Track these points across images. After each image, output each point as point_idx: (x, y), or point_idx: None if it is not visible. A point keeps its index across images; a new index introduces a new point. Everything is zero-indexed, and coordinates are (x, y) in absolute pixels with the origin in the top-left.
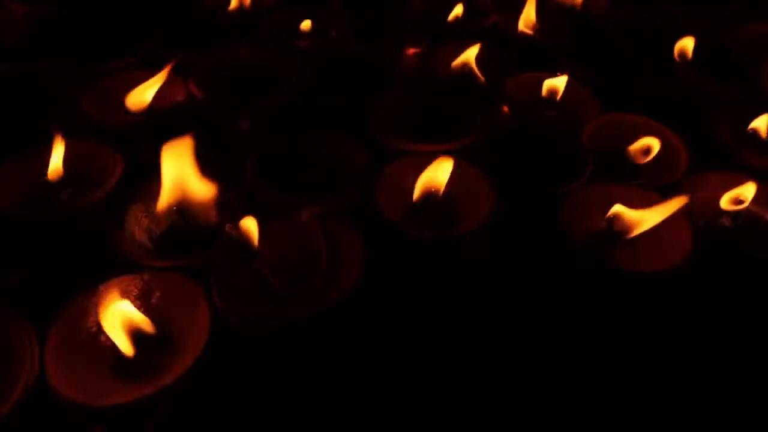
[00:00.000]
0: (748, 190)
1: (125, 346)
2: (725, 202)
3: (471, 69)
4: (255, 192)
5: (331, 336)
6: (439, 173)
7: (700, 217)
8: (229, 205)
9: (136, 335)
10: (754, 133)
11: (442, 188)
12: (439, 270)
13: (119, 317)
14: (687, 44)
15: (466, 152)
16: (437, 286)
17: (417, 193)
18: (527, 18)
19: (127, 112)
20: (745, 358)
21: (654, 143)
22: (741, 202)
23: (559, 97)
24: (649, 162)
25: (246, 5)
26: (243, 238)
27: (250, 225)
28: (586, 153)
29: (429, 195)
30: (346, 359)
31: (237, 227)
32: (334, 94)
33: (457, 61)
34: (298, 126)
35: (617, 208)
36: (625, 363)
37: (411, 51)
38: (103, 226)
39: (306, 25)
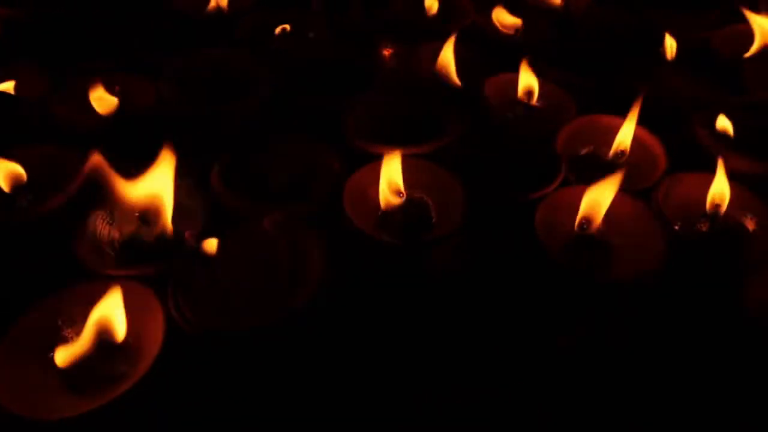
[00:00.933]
0: (724, 193)
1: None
2: (702, 205)
3: (447, 70)
4: (220, 197)
5: (291, 346)
6: (392, 173)
7: (676, 221)
8: (193, 212)
9: (102, 344)
10: (729, 134)
11: (403, 191)
12: (408, 278)
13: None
14: (669, 45)
15: (439, 155)
16: (405, 294)
17: (383, 198)
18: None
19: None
20: (716, 365)
21: (626, 144)
22: (718, 205)
23: (535, 99)
24: (625, 164)
25: (223, 6)
26: (203, 246)
27: (210, 232)
28: (558, 157)
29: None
30: (305, 369)
31: (197, 235)
32: (309, 97)
33: (437, 62)
34: (270, 129)
35: (584, 211)
36: (598, 369)
37: (389, 52)
38: (64, 233)
39: (282, 26)
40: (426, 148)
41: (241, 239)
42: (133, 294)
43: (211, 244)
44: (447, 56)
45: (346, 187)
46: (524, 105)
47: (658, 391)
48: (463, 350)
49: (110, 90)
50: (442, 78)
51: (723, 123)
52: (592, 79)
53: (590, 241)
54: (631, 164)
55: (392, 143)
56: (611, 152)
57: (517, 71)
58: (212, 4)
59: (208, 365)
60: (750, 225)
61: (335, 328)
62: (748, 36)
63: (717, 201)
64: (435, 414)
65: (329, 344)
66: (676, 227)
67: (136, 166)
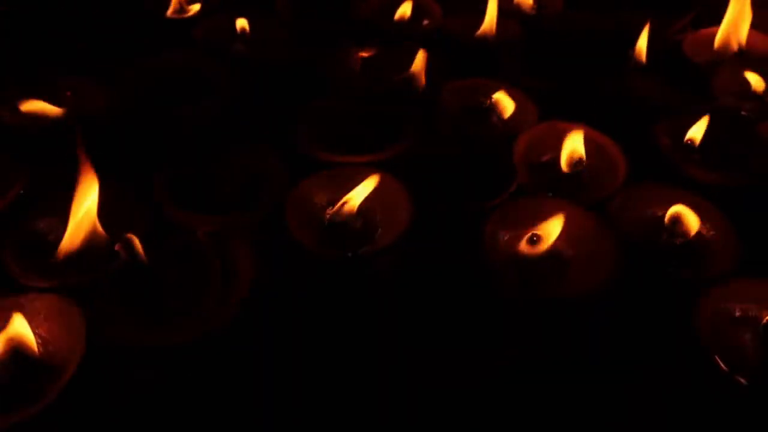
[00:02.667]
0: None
1: None
2: (661, 218)
3: (414, 76)
4: (161, 206)
5: (215, 361)
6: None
7: (632, 235)
8: (131, 221)
9: (17, 358)
10: (693, 143)
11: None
12: (347, 290)
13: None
14: (639, 48)
15: (392, 163)
16: (343, 307)
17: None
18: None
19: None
20: (663, 387)
21: (581, 152)
22: (677, 218)
23: (492, 103)
24: (583, 173)
25: (185, 8)
26: (133, 257)
27: (139, 243)
28: (513, 165)
29: (340, 210)
30: (227, 385)
31: (128, 245)
32: (265, 102)
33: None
34: (222, 135)
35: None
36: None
37: (354, 56)
38: None
39: (242, 28)
40: (379, 155)
41: (173, 251)
42: (53, 306)
43: (140, 256)
44: (419, 66)
45: (290, 197)
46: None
47: (600, 410)
48: (402, 366)
49: (61, 95)
50: (408, 86)
51: (692, 137)
52: (556, 84)
53: (539, 255)
54: (592, 173)
55: (345, 150)
56: (566, 162)
57: (483, 76)
58: (174, 5)
59: (128, 380)
60: (710, 238)
61: (262, 343)
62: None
63: (676, 214)
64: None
65: (253, 361)
66: (632, 240)
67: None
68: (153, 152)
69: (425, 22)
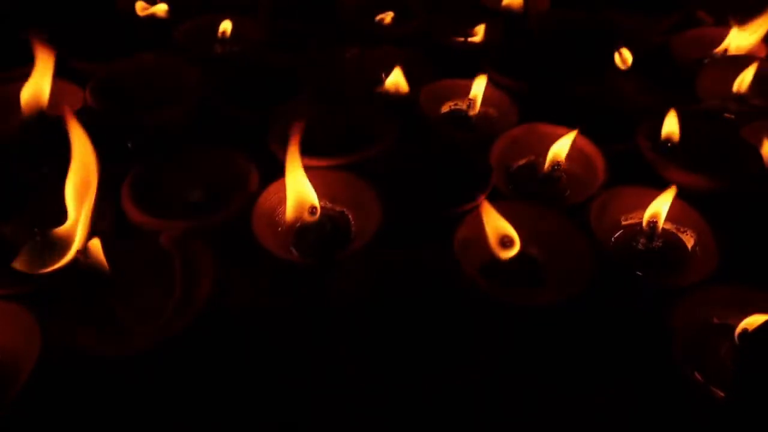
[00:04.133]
0: (662, 209)
1: None
2: (639, 222)
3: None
4: (127, 210)
5: (173, 368)
6: (300, 187)
7: (610, 240)
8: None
9: None
10: (671, 143)
11: (317, 206)
12: (313, 297)
13: None
14: (624, 49)
15: (369, 166)
16: (309, 314)
17: (290, 213)
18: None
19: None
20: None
21: (560, 156)
22: (654, 222)
23: (473, 105)
24: (561, 176)
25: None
26: (92, 264)
27: (99, 248)
28: (489, 169)
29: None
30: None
31: (87, 252)
32: (241, 105)
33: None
34: (195, 138)
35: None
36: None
37: (335, 58)
38: None
39: (223, 30)
40: (353, 158)
41: (134, 256)
42: (6, 313)
43: (101, 262)
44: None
45: (259, 200)
46: (464, 112)
47: (573, 419)
48: (368, 376)
49: None
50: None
51: (669, 134)
52: (538, 85)
53: (513, 260)
54: (572, 176)
55: (320, 154)
56: (546, 165)
57: (465, 77)
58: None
59: (84, 387)
60: (689, 243)
61: (222, 350)
62: (708, 41)
63: (653, 218)
64: None
65: (213, 367)
66: (609, 245)
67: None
68: (120, 154)
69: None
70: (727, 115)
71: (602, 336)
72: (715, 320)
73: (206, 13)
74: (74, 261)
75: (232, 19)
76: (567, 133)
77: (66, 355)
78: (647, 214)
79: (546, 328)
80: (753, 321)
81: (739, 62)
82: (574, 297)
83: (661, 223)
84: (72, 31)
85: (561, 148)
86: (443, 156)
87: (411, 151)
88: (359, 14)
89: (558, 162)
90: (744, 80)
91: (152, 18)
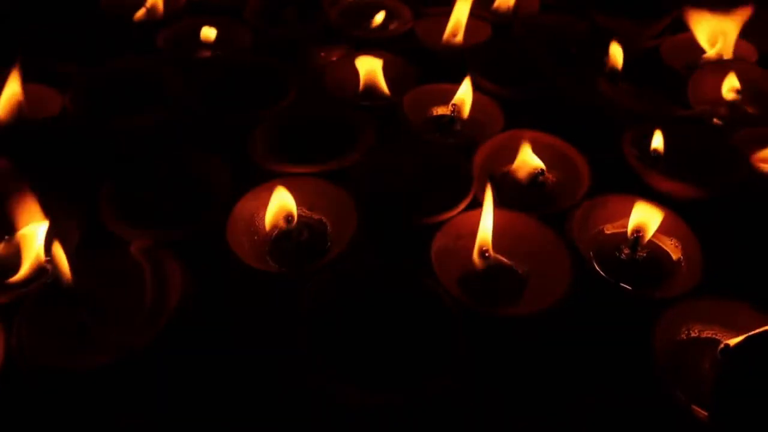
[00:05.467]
0: (648, 218)
1: None
2: (623, 230)
3: (376, 83)
4: (103, 217)
5: (140, 382)
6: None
7: (593, 249)
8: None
9: None
10: (656, 152)
11: (294, 216)
12: (286, 307)
13: None
14: (613, 54)
15: (346, 174)
16: (281, 325)
17: (268, 221)
18: (456, 25)
19: None
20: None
21: (538, 164)
22: (639, 232)
23: (457, 111)
24: (544, 184)
25: (151, 13)
26: (59, 274)
27: (66, 260)
28: (469, 177)
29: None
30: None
31: (54, 263)
32: (223, 109)
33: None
34: (171, 143)
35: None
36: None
37: (320, 62)
38: None
39: (207, 35)
40: (331, 166)
41: (105, 266)
42: None
43: (67, 271)
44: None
45: (236, 208)
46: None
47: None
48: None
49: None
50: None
51: (655, 142)
52: (526, 91)
53: (492, 270)
54: (556, 183)
55: (301, 161)
56: (527, 172)
57: (452, 81)
58: (141, 10)
59: (48, 402)
60: (675, 254)
61: (192, 361)
62: (699, 45)
63: (638, 227)
64: None
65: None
66: (592, 255)
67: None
68: (98, 159)
69: (393, 25)
70: (716, 121)
71: (583, 347)
72: (699, 334)
73: (194, 15)
74: (40, 271)
75: (218, 22)
76: (553, 140)
77: (30, 368)
78: (632, 224)
79: (525, 339)
80: (736, 339)
81: (730, 67)
82: (552, 309)
83: (648, 236)
84: (54, 34)
85: (525, 155)
86: (424, 162)
87: (392, 158)
88: (346, 18)
89: (539, 169)
90: (732, 86)
91: (138, 21)
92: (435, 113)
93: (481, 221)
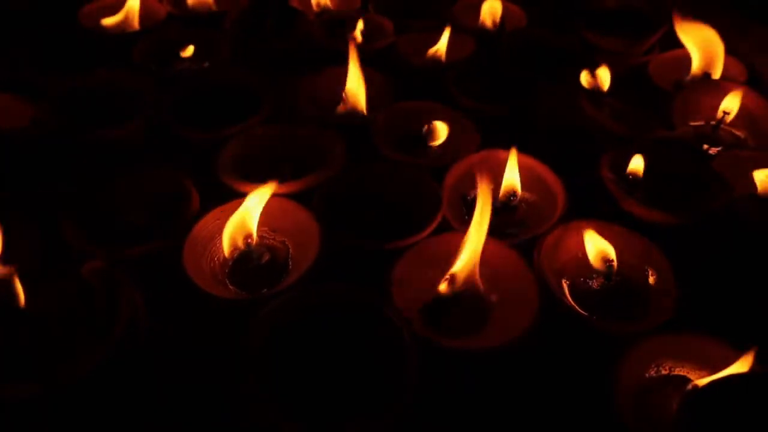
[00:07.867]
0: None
1: None
2: (594, 260)
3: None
4: (64, 235)
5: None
6: (246, 219)
7: (563, 278)
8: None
9: None
10: (634, 176)
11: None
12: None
13: None
14: (600, 72)
15: (314, 193)
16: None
17: (226, 242)
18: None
19: None
20: None
21: (515, 187)
22: (609, 260)
23: (431, 130)
24: (519, 206)
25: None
26: (9, 296)
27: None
28: (438, 199)
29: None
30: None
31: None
32: (189, 125)
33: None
34: (140, 159)
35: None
36: None
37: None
38: None
39: (188, 51)
40: (296, 186)
41: (57, 289)
42: None
43: (18, 294)
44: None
45: (194, 229)
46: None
47: None
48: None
49: None
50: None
51: (632, 165)
52: (506, 108)
53: (458, 298)
54: (531, 206)
55: (266, 179)
56: (501, 194)
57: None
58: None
59: None
60: (651, 280)
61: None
62: (688, 63)
63: (607, 255)
64: None
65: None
66: (560, 284)
67: None
68: (63, 172)
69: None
70: (698, 145)
71: (545, 382)
72: (669, 371)
73: (171, 27)
74: None
75: (196, 34)
76: (529, 160)
77: None
78: (592, 256)
79: (484, 372)
80: (703, 380)
81: (717, 87)
82: (520, 340)
83: (614, 260)
84: (30, 44)
85: (511, 178)
86: (394, 183)
87: (361, 178)
88: (324, 32)
89: (513, 192)
90: (727, 107)
91: (114, 33)
92: (408, 132)
93: (465, 248)
